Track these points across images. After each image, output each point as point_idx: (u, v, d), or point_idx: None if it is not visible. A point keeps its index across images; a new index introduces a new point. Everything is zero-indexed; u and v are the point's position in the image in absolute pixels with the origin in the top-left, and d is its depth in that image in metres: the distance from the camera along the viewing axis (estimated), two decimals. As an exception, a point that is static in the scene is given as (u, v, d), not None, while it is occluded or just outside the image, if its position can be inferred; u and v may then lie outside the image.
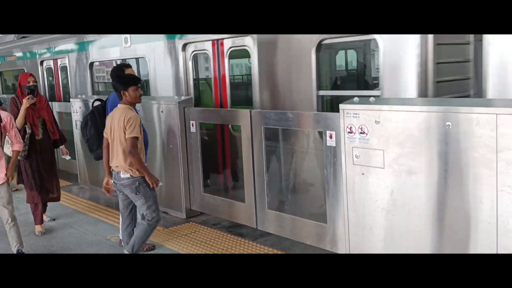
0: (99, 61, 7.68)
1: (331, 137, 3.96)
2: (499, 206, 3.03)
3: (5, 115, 4.38)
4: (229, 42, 5.45)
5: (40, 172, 5.27)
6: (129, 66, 4.71)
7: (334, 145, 3.95)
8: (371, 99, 3.69)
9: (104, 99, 4.88)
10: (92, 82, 7.89)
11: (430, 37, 3.73)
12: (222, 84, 5.64)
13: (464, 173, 3.16)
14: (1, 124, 4.28)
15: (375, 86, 4.28)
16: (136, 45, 6.59)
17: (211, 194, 5.42)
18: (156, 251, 4.67)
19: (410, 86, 3.83)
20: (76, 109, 6.99)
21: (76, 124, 7.06)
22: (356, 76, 4.96)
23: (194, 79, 5.96)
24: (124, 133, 3.86)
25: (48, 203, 5.59)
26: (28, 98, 5.09)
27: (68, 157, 5.72)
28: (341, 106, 3.73)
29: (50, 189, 5.41)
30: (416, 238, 3.43)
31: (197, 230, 5.21)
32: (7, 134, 4.42)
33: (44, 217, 5.61)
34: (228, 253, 4.52)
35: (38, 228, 5.34)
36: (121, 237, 4.79)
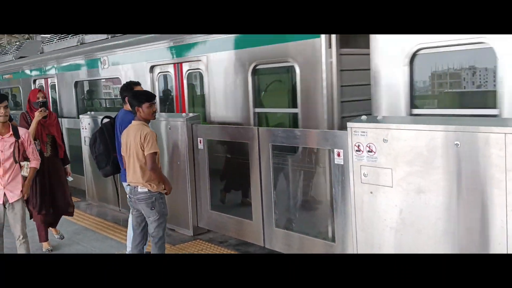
0: (82, 80, 8.77)
1: (339, 155, 3.95)
2: (510, 226, 2.99)
3: (23, 132, 4.40)
4: (187, 65, 6.36)
5: (47, 190, 5.20)
6: (138, 83, 4.77)
7: (342, 163, 3.94)
8: (379, 117, 3.69)
9: (113, 116, 4.92)
10: (77, 99, 8.97)
11: (334, 64, 4.53)
12: (182, 100, 6.56)
13: (474, 192, 3.13)
14: (19, 141, 4.31)
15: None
16: (112, 66, 7.63)
17: (218, 212, 5.40)
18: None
19: (319, 104, 4.66)
20: (85, 126, 7.05)
21: (85, 140, 7.11)
22: (284, 96, 5.49)
23: (160, 96, 6.92)
24: (142, 150, 3.91)
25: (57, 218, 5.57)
26: (41, 111, 5.05)
27: (70, 178, 5.64)
28: (349, 124, 3.73)
29: (64, 206, 5.37)
30: (425, 258, 3.39)
31: (204, 248, 5.19)
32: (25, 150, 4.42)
33: (54, 232, 5.60)
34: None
35: (45, 245, 5.34)
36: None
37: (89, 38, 8.79)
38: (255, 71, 5.34)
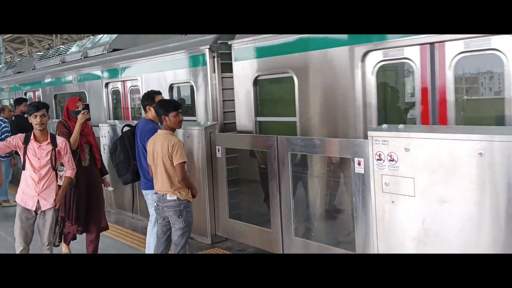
0: (59, 93, 10.58)
1: (359, 164, 3.93)
2: (537, 238, 2.93)
3: (61, 140, 4.45)
4: (129, 83, 8.10)
5: (83, 202, 5.01)
6: (159, 93, 4.82)
7: (362, 172, 3.91)
8: (400, 126, 3.67)
9: (134, 125, 4.98)
10: (56, 109, 10.74)
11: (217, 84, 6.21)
12: (127, 109, 8.33)
13: (498, 202, 3.08)
14: (56, 149, 4.38)
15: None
16: (80, 82, 9.53)
17: (236, 220, 5.40)
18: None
19: (209, 113, 6.31)
20: (104, 134, 7.14)
21: (104, 149, 7.20)
22: (190, 107, 7.02)
23: (113, 108, 8.71)
24: (170, 159, 3.95)
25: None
26: (84, 113, 4.90)
27: (111, 188, 5.51)
28: (369, 133, 3.72)
29: (98, 219, 5.12)
30: (449, 269, 3.34)
31: (222, 256, 5.19)
32: (61, 160, 4.46)
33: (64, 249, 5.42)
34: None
35: (64, 248, 5.35)
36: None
37: (68, 58, 10.44)
38: (171, 88, 7.07)
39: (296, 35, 4.97)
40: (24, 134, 4.40)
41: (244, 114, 5.81)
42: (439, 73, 4.04)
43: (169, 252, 4.37)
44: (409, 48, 4.19)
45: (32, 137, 4.35)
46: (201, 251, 5.35)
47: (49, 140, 4.37)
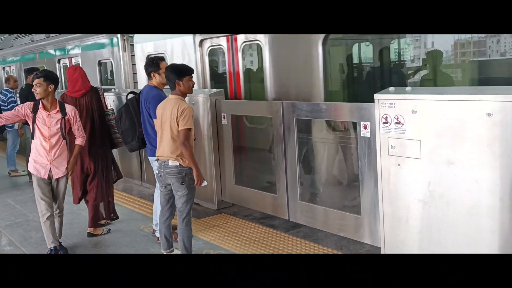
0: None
1: (365, 127, 3.91)
2: (544, 198, 2.93)
3: (70, 109, 4.46)
4: (74, 59, 10.06)
5: (79, 172, 5.01)
6: (163, 59, 4.78)
7: (368, 135, 3.90)
8: (407, 88, 3.63)
9: (138, 92, 4.96)
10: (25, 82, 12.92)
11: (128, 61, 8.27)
12: None
13: (506, 163, 3.06)
14: (66, 118, 4.40)
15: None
16: (40, 59, 11.48)
17: (242, 186, 5.44)
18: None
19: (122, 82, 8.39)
20: (109, 103, 7.13)
21: (109, 118, 7.22)
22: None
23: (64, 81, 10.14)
24: (177, 124, 3.90)
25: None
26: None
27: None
28: (376, 96, 3.68)
29: (92, 192, 5.07)
30: (453, 231, 3.36)
31: (228, 221, 5.26)
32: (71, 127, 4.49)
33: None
34: (259, 244, 4.54)
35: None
36: (154, 228, 4.89)
37: (36, 37, 11.85)
38: (100, 64, 9.09)
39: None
40: (32, 103, 4.41)
41: (143, 83, 7.05)
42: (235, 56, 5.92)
43: (174, 219, 4.41)
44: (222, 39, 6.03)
45: (40, 105, 4.35)
46: (207, 217, 5.42)
47: (58, 109, 4.38)
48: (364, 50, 5.60)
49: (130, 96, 5.05)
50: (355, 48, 5.63)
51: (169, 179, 4.03)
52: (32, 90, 4.38)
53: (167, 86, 4.20)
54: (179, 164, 3.97)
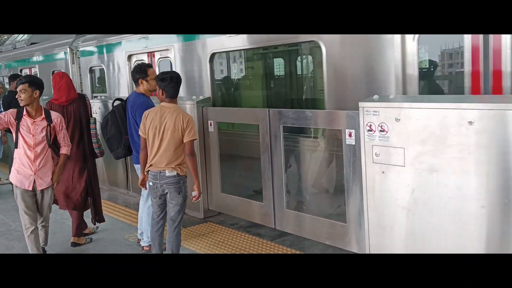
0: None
1: (350, 135, 3.94)
2: (525, 204, 2.97)
3: (56, 116, 4.30)
4: (33, 69, 10.79)
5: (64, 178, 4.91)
6: (151, 66, 4.78)
7: (353, 143, 3.92)
8: (391, 96, 3.67)
9: (124, 99, 4.94)
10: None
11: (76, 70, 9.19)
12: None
13: (486, 170, 3.10)
14: (51, 125, 4.22)
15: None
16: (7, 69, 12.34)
17: (229, 194, 5.42)
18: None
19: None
20: (96, 110, 7.08)
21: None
22: None
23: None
24: (181, 134, 3.88)
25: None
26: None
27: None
28: (360, 104, 3.71)
29: (73, 198, 4.96)
30: (438, 238, 3.38)
31: (214, 230, 5.23)
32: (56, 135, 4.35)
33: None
34: (245, 253, 4.52)
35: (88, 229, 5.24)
36: (139, 237, 4.84)
37: (19, 44, 12.37)
38: (53, 73, 8.95)
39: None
40: (16, 110, 4.23)
41: (88, 91, 8.66)
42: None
43: (165, 229, 4.37)
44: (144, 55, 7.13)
45: (24, 112, 4.16)
46: (193, 226, 5.38)
47: (43, 116, 4.20)
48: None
49: (117, 103, 5.02)
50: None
51: (167, 189, 3.96)
52: (17, 96, 4.21)
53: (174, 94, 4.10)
54: (177, 173, 3.93)
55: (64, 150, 4.37)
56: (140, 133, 4.09)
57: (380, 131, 3.60)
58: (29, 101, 4.15)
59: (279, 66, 6.16)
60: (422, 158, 3.39)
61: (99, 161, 7.32)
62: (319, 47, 4.41)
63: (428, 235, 3.43)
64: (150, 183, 4.05)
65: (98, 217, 5.18)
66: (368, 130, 3.66)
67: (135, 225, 5.29)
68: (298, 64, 6.02)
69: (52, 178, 4.27)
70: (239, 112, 5.31)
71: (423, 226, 3.45)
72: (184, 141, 3.91)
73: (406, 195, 3.51)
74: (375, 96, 3.72)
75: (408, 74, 3.87)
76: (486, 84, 3.55)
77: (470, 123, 3.13)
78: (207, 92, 5.71)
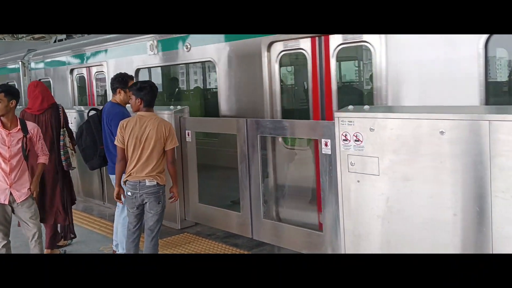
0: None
1: (326, 145, 3.99)
2: (493, 212, 3.05)
3: (32, 126, 4.15)
4: None
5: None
6: (132, 78, 4.75)
7: (329, 153, 3.97)
8: (365, 107, 3.74)
9: (100, 109, 4.89)
10: None
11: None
12: None
13: (458, 179, 3.19)
14: (27, 136, 4.06)
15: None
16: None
17: (206, 204, 5.40)
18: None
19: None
20: (71, 120, 6.97)
21: (71, 135, 7.05)
22: None
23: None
24: (164, 142, 3.88)
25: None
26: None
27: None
28: (335, 114, 3.77)
29: (51, 214, 4.88)
30: (412, 246, 3.44)
31: (191, 241, 5.18)
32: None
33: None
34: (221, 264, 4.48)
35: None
36: (114, 248, 4.76)
37: None
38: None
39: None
40: None
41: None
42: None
43: (141, 239, 4.31)
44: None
45: None
46: (170, 237, 5.32)
47: (19, 127, 4.02)
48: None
49: (92, 112, 4.97)
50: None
51: (147, 199, 3.91)
52: None
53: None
54: (157, 182, 3.90)
55: (42, 159, 4.23)
56: (116, 143, 4.00)
57: (355, 140, 3.66)
58: (4, 112, 3.97)
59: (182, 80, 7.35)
60: (396, 167, 3.46)
61: (74, 172, 7.20)
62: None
63: (402, 243, 3.49)
64: (129, 193, 3.98)
65: (66, 234, 5.06)
66: (344, 140, 3.72)
67: (110, 237, 5.21)
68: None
69: (30, 188, 4.09)
70: (217, 121, 5.32)
71: (398, 234, 3.51)
72: (167, 149, 3.92)
73: (380, 203, 3.57)
74: (350, 107, 3.78)
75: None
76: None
77: (442, 133, 3.22)
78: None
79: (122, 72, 4.77)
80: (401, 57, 3.92)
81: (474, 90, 3.56)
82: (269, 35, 4.72)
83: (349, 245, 3.81)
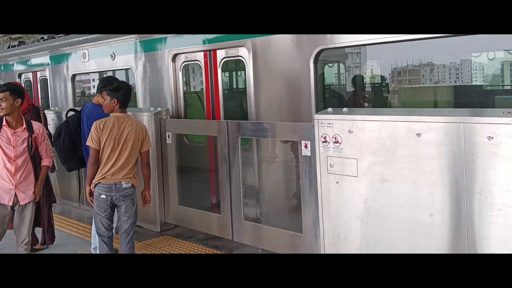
0: None
1: (306, 146, 4.02)
2: (469, 213, 3.12)
3: (38, 126, 4.07)
4: None
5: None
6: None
7: (309, 154, 4.01)
8: (344, 109, 3.79)
9: (79, 110, 4.82)
10: None
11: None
12: None
13: (434, 180, 3.25)
14: (32, 136, 3.98)
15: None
16: None
17: (186, 207, 5.37)
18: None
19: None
20: (48, 121, 6.85)
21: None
22: None
23: None
24: (140, 145, 3.91)
25: None
26: None
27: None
28: (315, 116, 3.81)
29: None
30: (389, 246, 3.49)
31: (171, 243, 5.14)
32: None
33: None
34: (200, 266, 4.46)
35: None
36: (92, 251, 4.68)
37: None
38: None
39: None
40: None
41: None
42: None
43: (116, 242, 4.26)
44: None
45: (4, 123, 3.86)
46: (150, 239, 5.27)
47: (25, 126, 3.94)
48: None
49: (70, 113, 4.89)
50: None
51: (124, 201, 3.86)
52: None
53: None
54: (132, 184, 3.89)
55: (46, 161, 4.15)
56: (90, 144, 3.85)
57: (334, 142, 3.70)
58: (10, 111, 3.87)
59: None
60: (374, 168, 3.51)
61: (51, 174, 7.08)
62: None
63: (380, 243, 3.54)
64: (103, 196, 3.86)
65: (46, 239, 4.98)
66: (323, 142, 3.76)
67: (88, 240, 5.13)
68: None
69: (34, 192, 4.01)
70: (198, 124, 5.31)
71: (376, 235, 3.56)
72: (142, 151, 3.95)
73: (359, 204, 3.62)
74: (329, 109, 3.83)
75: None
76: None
77: (418, 135, 3.29)
78: (71, 105, 7.35)
79: (111, 76, 4.75)
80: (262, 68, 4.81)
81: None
82: (173, 49, 5.69)
83: (328, 246, 3.84)
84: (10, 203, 3.84)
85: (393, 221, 3.46)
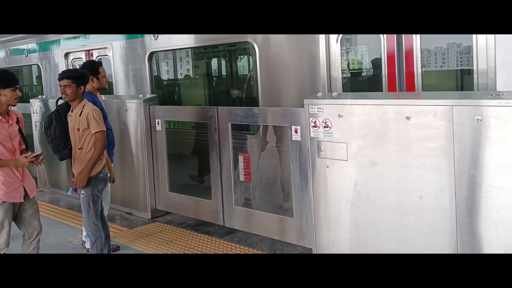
0: None
1: (296, 131, 4.02)
2: (457, 193, 3.16)
3: (17, 113, 3.80)
4: None
5: None
6: (101, 64, 4.70)
7: (299, 139, 4.01)
8: (334, 94, 3.79)
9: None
10: None
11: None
12: None
13: (423, 163, 3.28)
14: (19, 125, 3.73)
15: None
16: None
17: (177, 193, 5.36)
18: (121, 252, 4.58)
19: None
20: (36, 110, 6.77)
21: (36, 125, 6.84)
22: None
23: None
24: None
25: None
26: None
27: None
28: (305, 101, 3.81)
29: None
30: (379, 229, 3.53)
31: (162, 229, 5.15)
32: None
33: None
34: (194, 251, 4.48)
35: None
36: (84, 239, 4.67)
37: None
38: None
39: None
40: None
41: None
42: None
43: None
44: None
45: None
46: (141, 226, 5.27)
47: (16, 117, 3.68)
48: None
49: (60, 101, 4.82)
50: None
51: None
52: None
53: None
54: None
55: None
56: (103, 128, 4.03)
57: (324, 127, 3.71)
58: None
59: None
60: (363, 152, 3.53)
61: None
62: None
63: (370, 227, 3.57)
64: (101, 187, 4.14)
65: None
66: (313, 126, 3.76)
67: (79, 227, 5.11)
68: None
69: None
70: (187, 110, 5.28)
71: (366, 218, 3.59)
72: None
73: (349, 188, 3.64)
74: (319, 94, 3.82)
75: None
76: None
77: (408, 118, 3.30)
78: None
79: (90, 60, 4.71)
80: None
81: None
82: (65, 49, 7.16)
83: (319, 230, 3.87)
84: (22, 199, 3.64)
85: (383, 204, 3.49)
